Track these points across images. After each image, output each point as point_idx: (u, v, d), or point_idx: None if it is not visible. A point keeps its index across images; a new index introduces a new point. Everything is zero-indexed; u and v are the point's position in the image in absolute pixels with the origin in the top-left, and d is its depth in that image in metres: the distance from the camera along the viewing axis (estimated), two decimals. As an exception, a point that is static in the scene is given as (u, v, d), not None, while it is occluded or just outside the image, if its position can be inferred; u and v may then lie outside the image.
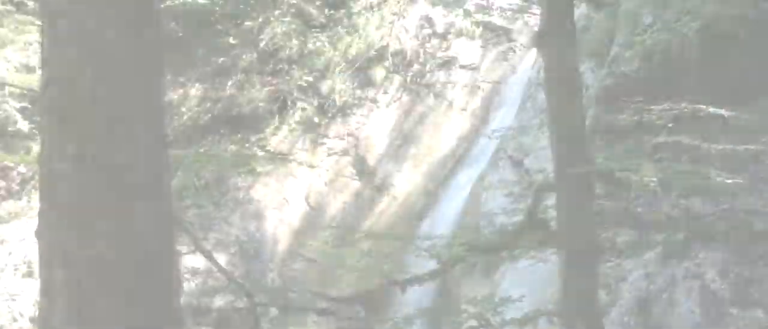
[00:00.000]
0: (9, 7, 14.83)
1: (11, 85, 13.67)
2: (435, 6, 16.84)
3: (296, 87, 16.16)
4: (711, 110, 8.31)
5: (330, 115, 16.24)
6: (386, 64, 16.50)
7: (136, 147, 3.64)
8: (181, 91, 16.17)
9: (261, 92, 16.07)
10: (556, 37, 6.51)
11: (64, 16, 3.61)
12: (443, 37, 16.79)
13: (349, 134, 16.23)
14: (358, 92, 16.36)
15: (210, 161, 14.18)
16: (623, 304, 8.97)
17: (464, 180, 15.09)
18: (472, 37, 16.72)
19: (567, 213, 6.53)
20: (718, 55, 9.48)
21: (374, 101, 16.41)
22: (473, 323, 8.12)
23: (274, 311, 14.08)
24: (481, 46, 16.72)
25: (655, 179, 7.38)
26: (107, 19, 3.61)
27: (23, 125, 14.20)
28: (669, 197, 9.05)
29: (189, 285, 14.25)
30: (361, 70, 16.42)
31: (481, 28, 16.72)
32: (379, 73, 16.51)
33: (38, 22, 3.92)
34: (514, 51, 16.57)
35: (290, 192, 15.65)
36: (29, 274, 13.44)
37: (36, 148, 12.89)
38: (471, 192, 14.46)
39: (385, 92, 16.49)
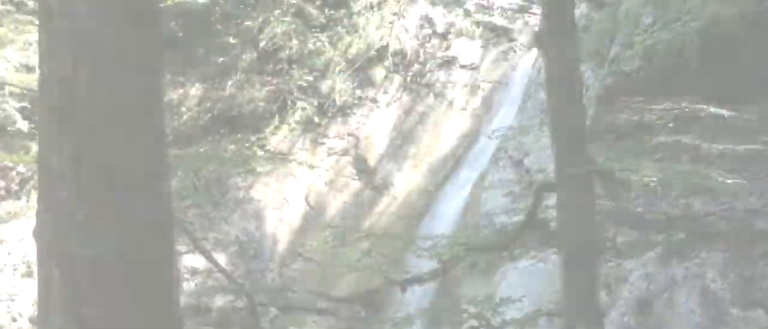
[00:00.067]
0: (9, 7, 14.82)
1: (11, 84, 13.66)
2: (435, 6, 16.83)
3: (296, 87, 16.15)
4: (711, 110, 8.31)
5: (330, 115, 16.23)
6: (386, 64, 16.49)
7: (134, 147, 3.63)
8: (181, 91, 16.16)
9: (261, 92, 16.06)
10: (557, 36, 6.50)
11: (63, 15, 3.60)
12: (443, 37, 16.78)
13: (349, 134, 16.22)
14: (358, 91, 16.35)
15: (210, 161, 14.17)
16: (623, 304, 8.97)
17: (464, 180, 15.08)
18: (473, 37, 16.71)
19: (567, 213, 6.52)
20: (718, 55, 9.47)
21: (374, 100, 16.41)
22: (473, 323, 8.11)
23: (274, 311, 14.08)
24: (482, 46, 16.71)
25: (655, 178, 7.37)
26: (106, 18, 3.59)
27: (23, 125, 14.19)
28: (669, 197, 9.04)
29: (189, 285, 14.25)
30: (361, 70, 16.41)
31: (481, 28, 16.72)
32: (379, 73, 16.50)
33: (38, 22, 3.87)
34: (515, 51, 16.56)
35: (290, 192, 15.64)
36: (28, 274, 13.43)
37: (35, 148, 12.86)
38: (471, 192, 14.44)
39: (385, 92, 16.48)
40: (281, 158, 15.52)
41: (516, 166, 13.14)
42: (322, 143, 16.14)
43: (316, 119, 16.15)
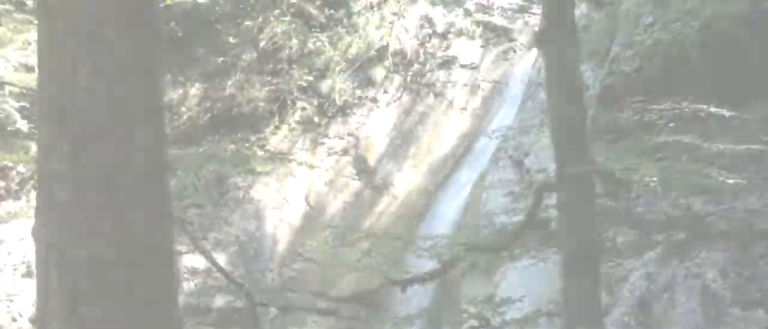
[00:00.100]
0: (8, 7, 14.81)
1: (10, 84, 13.65)
2: (435, 6, 16.84)
3: (296, 87, 16.16)
4: (712, 109, 8.30)
5: (330, 115, 16.23)
6: (386, 63, 16.49)
7: (134, 146, 3.61)
8: (181, 90, 16.16)
9: (261, 92, 16.06)
10: (557, 36, 6.49)
11: (61, 13, 3.59)
12: (443, 36, 16.78)
13: (349, 134, 16.22)
14: (358, 91, 16.36)
15: (210, 161, 14.15)
16: (624, 304, 8.96)
17: (464, 180, 15.08)
18: (473, 37, 16.71)
19: (568, 213, 6.51)
20: (718, 55, 9.47)
21: (374, 100, 16.41)
22: (473, 323, 8.11)
23: (274, 311, 14.08)
24: (482, 46, 16.72)
25: (655, 178, 7.36)
26: (105, 17, 3.58)
27: (22, 125, 14.18)
28: (669, 196, 9.03)
29: (189, 285, 14.25)
30: (361, 69, 16.42)
31: (481, 28, 16.73)
32: (379, 72, 16.50)
33: (37, 21, 3.86)
34: (515, 50, 16.57)
35: (290, 192, 15.64)
36: (28, 274, 13.42)
37: (35, 148, 12.87)
38: (471, 192, 14.45)
39: (385, 92, 16.48)
40: (281, 158, 15.51)
41: (516, 166, 13.14)
42: (322, 143, 16.14)
43: (316, 119, 16.15)
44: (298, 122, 16.14)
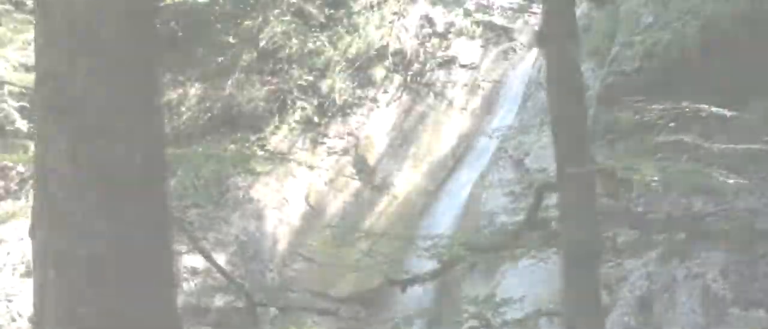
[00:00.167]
0: (8, 7, 14.81)
1: (10, 83, 13.64)
2: (435, 5, 16.82)
3: (296, 86, 16.14)
4: (712, 109, 8.28)
5: (330, 114, 16.22)
6: (386, 63, 16.48)
7: (132, 145, 3.60)
8: (180, 90, 16.15)
9: (261, 92, 16.05)
10: (557, 36, 6.47)
11: (59, 11, 3.58)
12: (443, 36, 16.77)
13: (349, 134, 16.20)
14: (358, 91, 16.34)
15: (210, 161, 14.14)
16: (624, 304, 8.95)
17: (464, 180, 15.07)
18: (473, 37, 16.70)
19: (568, 213, 6.49)
20: (719, 54, 9.45)
21: (374, 100, 16.39)
22: (473, 323, 8.10)
23: (274, 311, 14.07)
24: (482, 46, 16.71)
25: (656, 178, 7.35)
26: (103, 15, 3.57)
27: (22, 124, 14.18)
28: (670, 196, 9.03)
29: (189, 285, 14.23)
30: (361, 69, 16.41)
31: (481, 28, 16.71)
32: (379, 72, 16.49)
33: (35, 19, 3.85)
34: (515, 50, 16.56)
35: (290, 192, 15.63)
36: (28, 274, 13.40)
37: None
38: (471, 192, 14.43)
39: (385, 92, 16.47)
40: (281, 157, 15.50)
41: (516, 166, 13.14)
42: (322, 143, 16.13)
43: (316, 119, 16.14)
44: (297, 122, 16.13)
